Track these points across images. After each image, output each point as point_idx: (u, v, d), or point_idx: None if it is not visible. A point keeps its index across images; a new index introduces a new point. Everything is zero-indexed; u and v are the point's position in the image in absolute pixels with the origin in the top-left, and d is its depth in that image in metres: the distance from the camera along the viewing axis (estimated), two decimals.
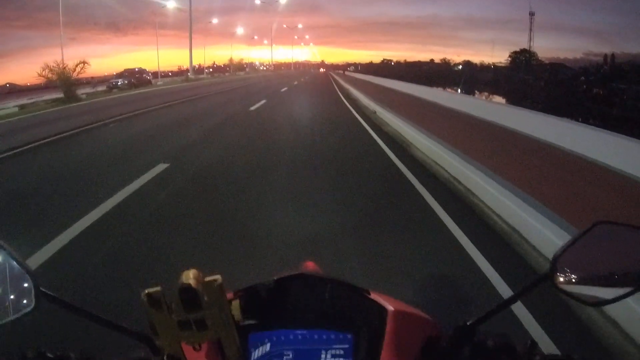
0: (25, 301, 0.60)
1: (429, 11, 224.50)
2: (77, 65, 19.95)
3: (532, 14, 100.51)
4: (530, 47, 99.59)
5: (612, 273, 0.60)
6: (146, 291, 0.54)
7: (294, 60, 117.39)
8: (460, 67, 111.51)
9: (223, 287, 0.56)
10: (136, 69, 33.87)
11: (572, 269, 0.60)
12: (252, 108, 14.06)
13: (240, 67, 73.69)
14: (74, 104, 17.62)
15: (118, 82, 29.49)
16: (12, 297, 0.60)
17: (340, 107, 15.12)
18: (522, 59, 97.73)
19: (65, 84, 19.32)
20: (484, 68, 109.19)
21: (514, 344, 0.63)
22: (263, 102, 16.14)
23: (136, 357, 0.65)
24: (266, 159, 6.58)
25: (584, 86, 71.22)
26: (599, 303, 0.62)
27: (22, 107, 17.79)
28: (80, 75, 20.15)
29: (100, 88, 29.06)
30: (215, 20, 59.16)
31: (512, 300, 0.61)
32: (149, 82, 32.98)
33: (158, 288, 0.55)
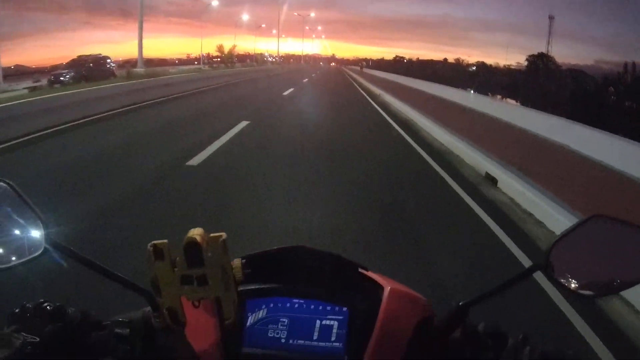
0: (33, 247, 0.58)
1: (441, 11, 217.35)
2: None
3: (551, 18, 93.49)
4: (548, 51, 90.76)
5: (605, 267, 0.59)
6: (152, 243, 0.54)
7: (303, 53, 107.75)
8: (474, 68, 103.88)
9: (227, 244, 0.55)
10: (99, 56, 23.81)
11: (566, 260, 0.59)
12: (194, 161, 5.55)
13: (231, 57, 53.47)
14: None
15: (62, 74, 20.48)
16: (21, 242, 0.59)
17: (405, 150, 7.39)
18: (540, 63, 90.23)
19: None
20: (498, 70, 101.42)
21: (504, 330, 0.61)
22: (240, 127, 8.21)
23: (136, 313, 0.63)
24: None
25: (613, 97, 62.58)
26: (593, 296, 0.60)
27: None
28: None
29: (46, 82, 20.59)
30: (215, 3, 48.50)
31: (505, 286, 0.59)
32: (110, 74, 22.72)
33: (165, 241, 0.55)
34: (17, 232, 0.60)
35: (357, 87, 23.83)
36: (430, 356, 0.63)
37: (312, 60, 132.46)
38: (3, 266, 0.58)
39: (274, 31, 74.55)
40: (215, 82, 20.57)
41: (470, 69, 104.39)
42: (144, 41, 27.97)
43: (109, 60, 24.80)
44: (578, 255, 0.61)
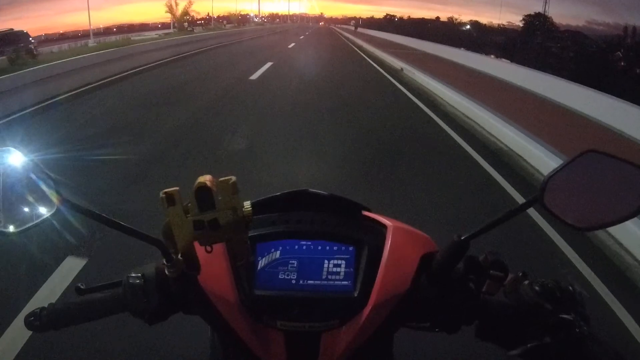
0: (46, 207, 0.59)
1: None
2: None
3: None
4: (545, 10, 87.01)
5: (599, 201, 0.61)
6: (164, 190, 0.55)
7: (290, 13, 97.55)
8: (468, 27, 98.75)
9: (236, 186, 0.56)
10: (10, 32, 17.88)
11: (562, 193, 0.61)
12: None
13: (182, 21, 34.61)
14: None
15: None
16: (33, 204, 0.59)
17: None
18: (537, 23, 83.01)
19: None
20: (492, 30, 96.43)
21: (505, 262, 0.62)
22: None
23: (148, 266, 0.66)
24: None
25: (622, 63, 56.99)
26: (586, 228, 0.62)
27: None
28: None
29: None
30: None
31: (503, 218, 0.61)
32: (29, 57, 14.80)
33: (176, 188, 0.55)
34: (29, 195, 0.60)
35: (363, 55, 17.01)
36: (434, 289, 0.65)
37: (299, 20, 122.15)
38: (19, 229, 0.58)
39: None
40: (157, 57, 13.33)
41: (463, 28, 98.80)
42: (127, 6, 20.62)
43: (30, 39, 18.77)
44: (572, 189, 0.62)
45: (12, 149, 0.58)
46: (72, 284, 2.58)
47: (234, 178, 0.56)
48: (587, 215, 0.61)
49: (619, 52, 61.05)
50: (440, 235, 0.79)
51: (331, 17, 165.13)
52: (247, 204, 0.59)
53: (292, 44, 22.27)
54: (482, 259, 0.62)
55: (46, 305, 0.63)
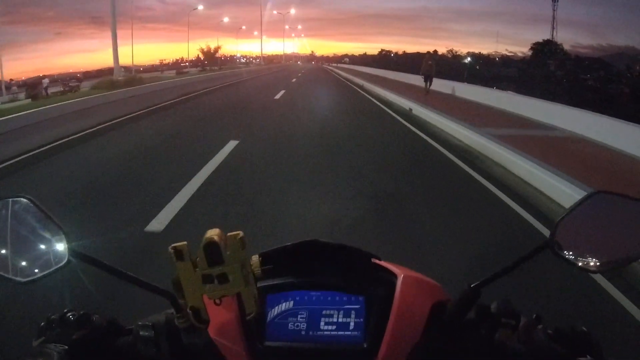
0: (57, 258, 0.59)
1: (417, 3, 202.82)
2: None
3: (555, 0, 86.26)
4: (553, 37, 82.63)
5: (610, 242, 0.60)
6: (173, 245, 0.57)
7: (262, 54, 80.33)
8: (468, 59, 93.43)
9: (244, 241, 0.58)
10: None
11: (572, 236, 0.60)
12: None
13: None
14: None
15: None
16: (44, 254, 0.60)
17: None
18: (546, 51, 76.86)
19: None
20: (493, 60, 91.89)
21: (516, 309, 0.63)
22: None
23: (159, 316, 0.66)
24: None
25: None
26: (598, 271, 0.60)
27: None
28: None
29: None
30: (200, 7, 49.72)
31: (514, 265, 0.61)
32: None
33: (184, 243, 0.57)
34: (40, 244, 0.61)
35: None
36: (445, 339, 0.65)
37: (284, 60, 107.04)
38: (29, 279, 0.59)
39: (256, 33, 52.03)
40: None
41: (464, 61, 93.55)
42: (121, 48, 16.21)
43: None
44: (583, 231, 0.61)
45: (24, 198, 0.59)
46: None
47: (241, 233, 0.57)
48: (600, 257, 0.60)
49: None
50: None
51: (322, 56, 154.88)
52: (255, 259, 0.62)
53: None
54: (493, 307, 0.63)
55: (56, 347, 0.58)
